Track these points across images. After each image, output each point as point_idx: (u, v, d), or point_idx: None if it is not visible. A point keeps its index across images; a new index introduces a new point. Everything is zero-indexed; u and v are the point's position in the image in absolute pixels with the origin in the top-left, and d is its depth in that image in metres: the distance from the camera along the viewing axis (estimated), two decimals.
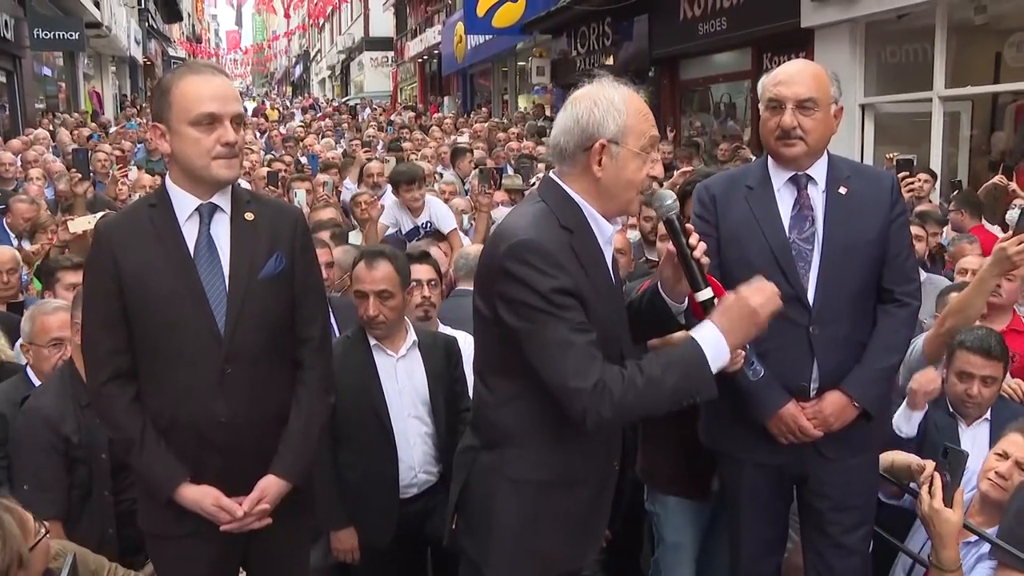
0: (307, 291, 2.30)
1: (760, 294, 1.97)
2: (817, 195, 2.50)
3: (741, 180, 2.58)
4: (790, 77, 2.46)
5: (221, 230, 2.19)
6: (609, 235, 2.10)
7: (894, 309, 2.51)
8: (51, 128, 12.88)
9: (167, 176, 2.24)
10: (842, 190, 2.49)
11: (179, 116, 2.10)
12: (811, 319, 2.44)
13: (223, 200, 2.20)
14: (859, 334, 2.49)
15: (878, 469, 2.69)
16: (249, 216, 2.21)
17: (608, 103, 1.99)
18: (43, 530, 2.16)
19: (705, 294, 2.03)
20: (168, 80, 2.17)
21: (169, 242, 2.15)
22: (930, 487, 2.47)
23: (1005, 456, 2.62)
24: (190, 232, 2.17)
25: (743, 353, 2.22)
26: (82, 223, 4.38)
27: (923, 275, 3.77)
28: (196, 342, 2.13)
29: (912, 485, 2.67)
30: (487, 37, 19.38)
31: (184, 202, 2.18)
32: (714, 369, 1.93)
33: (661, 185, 3.25)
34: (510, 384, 2.06)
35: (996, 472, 2.61)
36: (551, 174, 2.10)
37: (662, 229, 3.06)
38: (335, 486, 2.93)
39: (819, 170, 2.52)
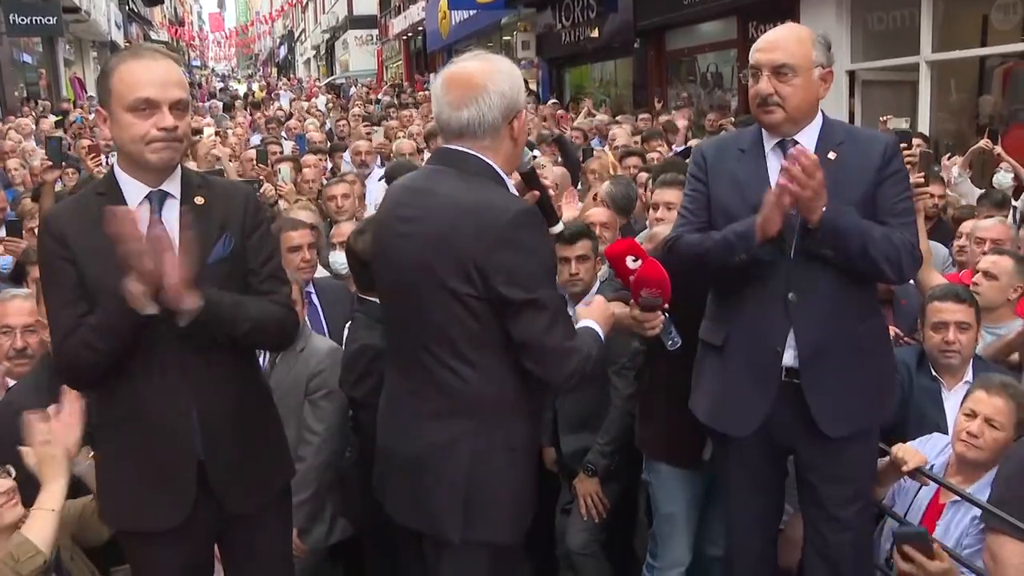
0: (260, 271, 2.23)
1: (614, 307, 2.35)
2: None
3: (734, 143, 2.60)
4: (768, 43, 2.44)
5: (171, 216, 2.14)
6: None
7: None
8: (34, 115, 12.73)
9: (115, 163, 2.19)
10: (831, 155, 2.44)
11: (117, 101, 2.06)
12: (788, 284, 2.42)
13: (172, 186, 2.16)
14: (843, 308, 2.44)
15: (873, 448, 2.66)
16: (199, 200, 2.17)
17: (515, 73, 2.16)
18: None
19: (555, 228, 2.37)
20: (110, 64, 2.11)
21: None
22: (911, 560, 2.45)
23: (973, 415, 2.65)
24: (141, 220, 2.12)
25: (662, 318, 2.38)
26: None
27: None
28: (153, 332, 2.07)
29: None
30: (471, 12, 19.21)
31: (133, 189, 2.13)
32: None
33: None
34: (492, 356, 2.08)
35: (968, 432, 2.64)
36: (465, 149, 2.14)
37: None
38: None
39: (808, 135, 2.48)
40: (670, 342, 2.46)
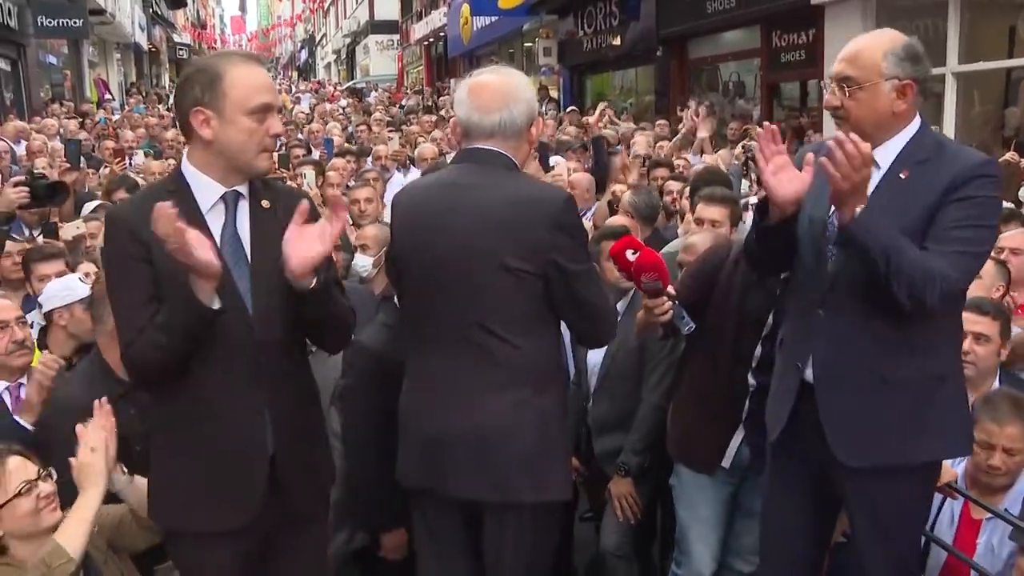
0: (324, 275, 2.23)
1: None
2: (876, 178, 2.30)
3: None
4: (843, 52, 2.31)
5: (242, 218, 2.15)
6: None
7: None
8: (58, 116, 12.82)
9: (184, 161, 2.17)
10: (902, 175, 2.27)
11: (236, 105, 2.04)
12: (822, 301, 2.34)
13: (243, 187, 2.16)
14: (867, 335, 2.29)
15: (915, 493, 2.41)
16: (265, 203, 2.17)
17: (531, 85, 2.44)
18: (29, 488, 2.19)
19: None
20: (216, 65, 2.08)
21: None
22: None
23: (991, 447, 2.63)
24: (214, 221, 2.12)
25: (669, 304, 2.65)
26: (71, 229, 4.34)
27: None
28: (230, 334, 2.07)
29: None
30: (493, 18, 19.26)
31: (207, 190, 2.12)
32: None
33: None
34: (541, 327, 2.35)
35: (990, 465, 2.64)
36: (497, 148, 2.36)
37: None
38: (386, 490, 2.79)
39: (888, 150, 2.30)
40: (686, 328, 2.71)
